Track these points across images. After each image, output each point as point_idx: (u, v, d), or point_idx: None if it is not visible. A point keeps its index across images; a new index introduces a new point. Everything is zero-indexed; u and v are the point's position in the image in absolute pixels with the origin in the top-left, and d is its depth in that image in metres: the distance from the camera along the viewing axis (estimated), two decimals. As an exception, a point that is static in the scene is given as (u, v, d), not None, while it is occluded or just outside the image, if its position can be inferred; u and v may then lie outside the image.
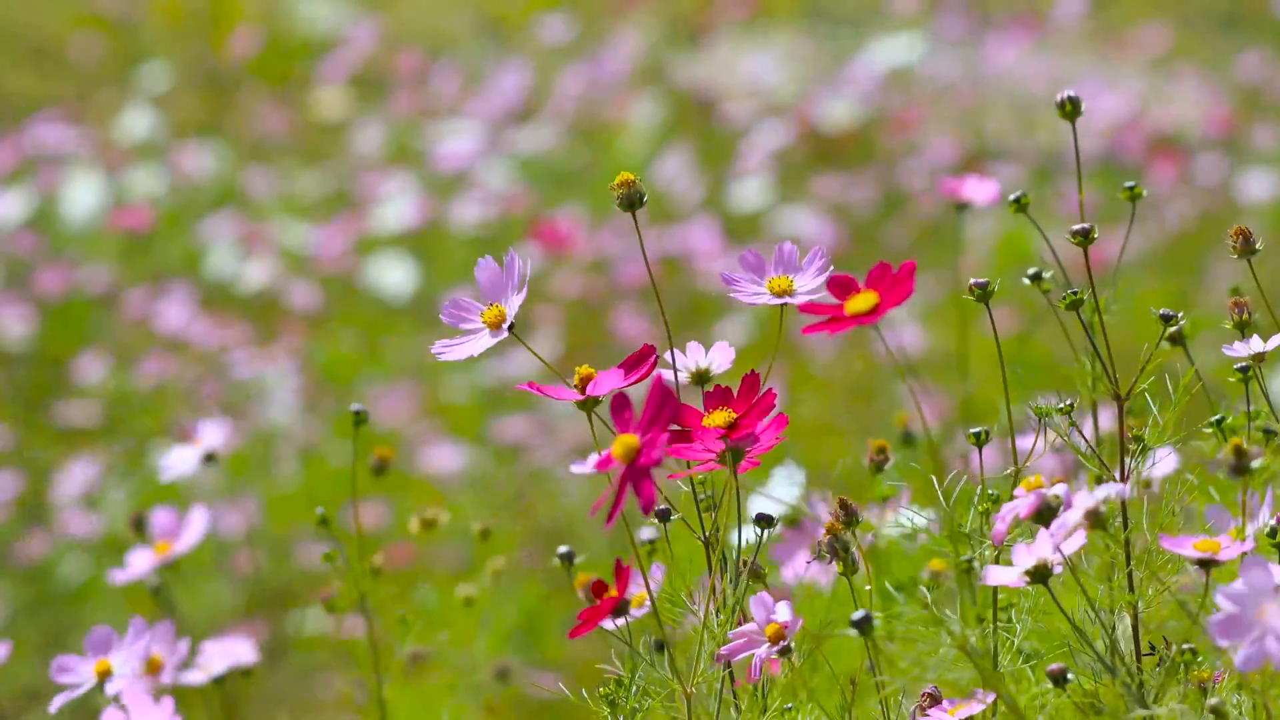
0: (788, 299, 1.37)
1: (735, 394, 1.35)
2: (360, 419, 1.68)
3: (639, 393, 1.36)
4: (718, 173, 5.59)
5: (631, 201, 1.38)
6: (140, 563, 1.85)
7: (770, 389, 1.34)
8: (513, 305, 1.36)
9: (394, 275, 5.08)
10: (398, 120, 6.04)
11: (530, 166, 5.73)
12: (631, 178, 1.38)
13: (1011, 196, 1.44)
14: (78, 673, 1.55)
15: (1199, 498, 1.42)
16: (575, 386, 1.36)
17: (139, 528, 1.87)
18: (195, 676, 1.74)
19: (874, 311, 1.29)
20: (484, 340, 1.37)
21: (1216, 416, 1.41)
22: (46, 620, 3.72)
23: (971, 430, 1.40)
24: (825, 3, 7.09)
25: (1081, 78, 5.97)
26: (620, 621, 1.35)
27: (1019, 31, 6.38)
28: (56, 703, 1.53)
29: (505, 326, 1.37)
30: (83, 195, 5.40)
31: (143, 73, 6.38)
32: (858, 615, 1.23)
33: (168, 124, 6.04)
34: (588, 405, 1.36)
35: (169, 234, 5.43)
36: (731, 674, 1.37)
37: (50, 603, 3.83)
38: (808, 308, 1.32)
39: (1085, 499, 1.25)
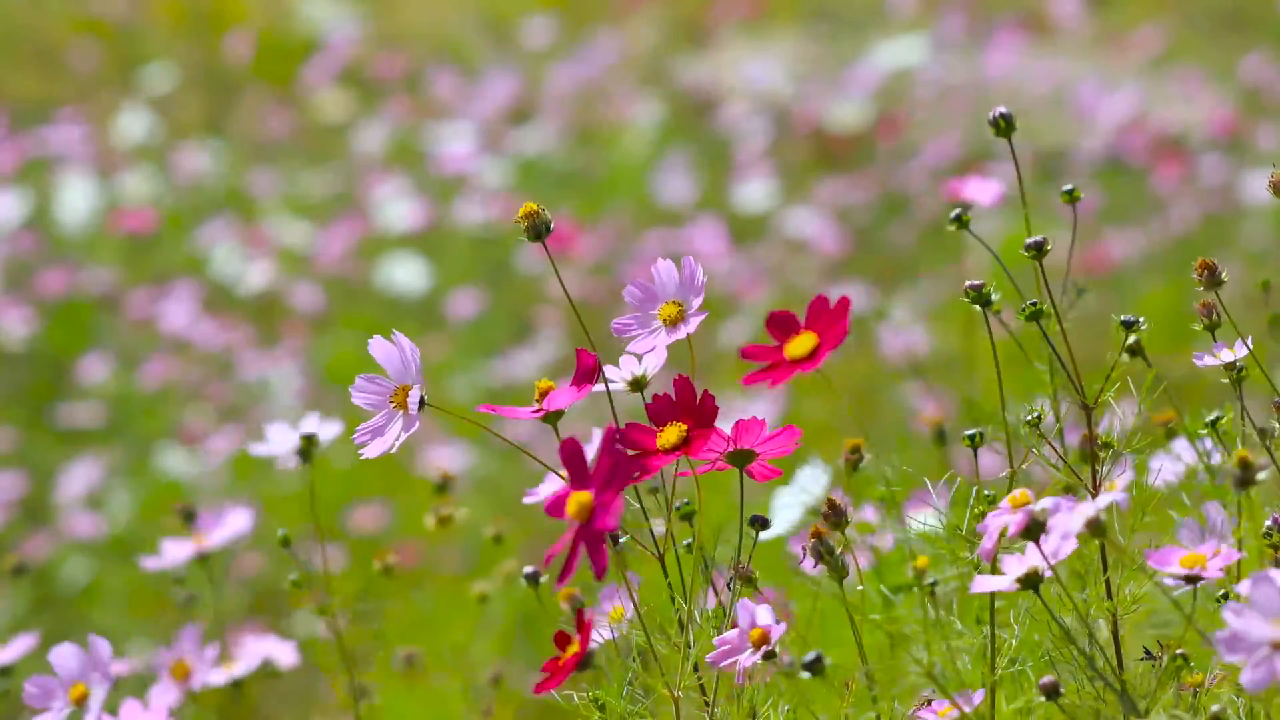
0: (682, 327, 1.34)
1: (675, 401, 1.32)
2: (311, 442, 1.68)
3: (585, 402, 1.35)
4: (720, 174, 5.59)
5: (538, 231, 1.36)
6: (176, 552, 1.86)
7: (707, 393, 1.31)
8: (414, 396, 1.34)
9: (404, 274, 5.08)
10: (399, 121, 6.04)
11: (531, 167, 5.73)
12: (535, 208, 1.36)
13: (952, 214, 1.43)
14: (56, 698, 1.51)
15: (1179, 506, 1.42)
16: (535, 400, 1.36)
17: (187, 518, 1.89)
18: (217, 677, 1.74)
19: (813, 357, 1.27)
20: (397, 431, 1.35)
21: (1212, 416, 1.41)
22: (50, 621, 3.72)
23: (966, 433, 1.40)
24: (827, 4, 7.09)
25: (1084, 79, 5.97)
26: (584, 672, 1.34)
27: (1021, 33, 6.37)
28: None
29: (415, 417, 1.35)
30: (77, 200, 5.40)
31: (144, 75, 6.38)
32: (809, 657, 1.22)
33: (170, 126, 6.04)
34: (550, 419, 1.35)
35: (172, 235, 5.43)
36: (718, 678, 1.36)
37: (54, 603, 3.83)
38: (750, 352, 1.30)
39: (1086, 507, 1.24)
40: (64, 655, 1.51)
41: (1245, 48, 6.12)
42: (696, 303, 1.34)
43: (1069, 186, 1.48)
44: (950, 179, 2.09)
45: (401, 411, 1.36)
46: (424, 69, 6.39)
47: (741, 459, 1.32)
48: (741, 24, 6.91)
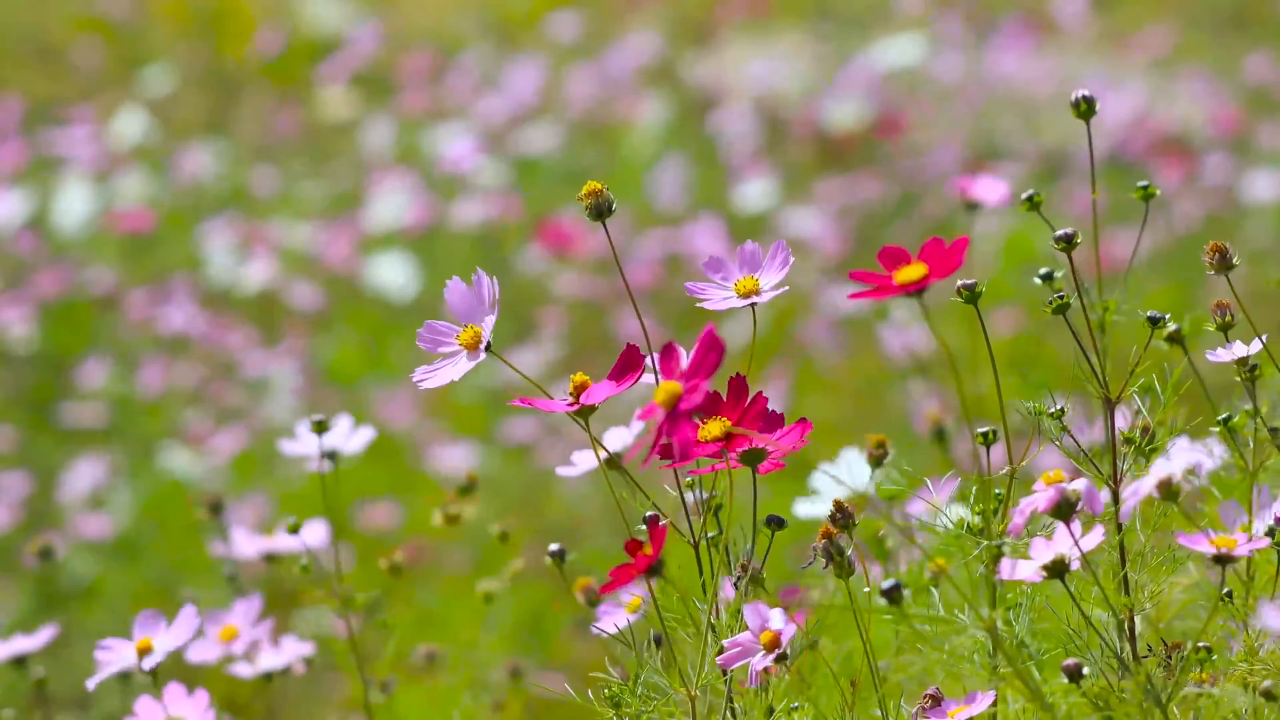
0: (754, 298, 1.36)
1: (724, 399, 1.34)
2: (321, 428, 1.69)
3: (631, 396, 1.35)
4: (723, 173, 5.59)
5: (600, 210, 1.37)
6: (247, 547, 1.88)
7: (760, 394, 1.32)
8: (487, 325, 1.34)
9: (394, 275, 5.08)
10: (404, 120, 6.04)
11: (537, 167, 5.73)
12: (599, 187, 1.36)
13: (1024, 195, 1.44)
14: (118, 652, 1.56)
15: (1209, 497, 1.42)
16: (570, 394, 1.35)
17: (215, 510, 1.91)
18: (243, 670, 1.75)
19: (921, 281, 1.28)
20: (462, 364, 1.35)
21: (1223, 415, 1.41)
22: (52, 620, 3.72)
23: (980, 430, 1.40)
24: (832, 3, 7.09)
25: (1087, 78, 5.97)
26: (653, 582, 1.31)
27: (1024, 32, 6.37)
28: (94, 681, 1.55)
29: (483, 348, 1.35)
30: (74, 204, 5.40)
31: (147, 74, 6.39)
32: (888, 584, 1.21)
33: (172, 125, 6.04)
34: (583, 414, 1.35)
35: (173, 235, 5.43)
36: (730, 678, 1.35)
37: (58, 603, 3.83)
38: (858, 275, 1.31)
39: (1162, 467, 1.23)
40: (143, 619, 1.56)
41: (1248, 47, 6.12)
42: (777, 277, 1.36)
43: (1144, 184, 1.48)
44: (956, 178, 2.10)
45: (466, 351, 1.35)
46: (431, 68, 6.39)
47: (753, 458, 1.32)
48: (746, 23, 6.91)
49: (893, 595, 1.22)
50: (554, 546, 1.48)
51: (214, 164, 5.77)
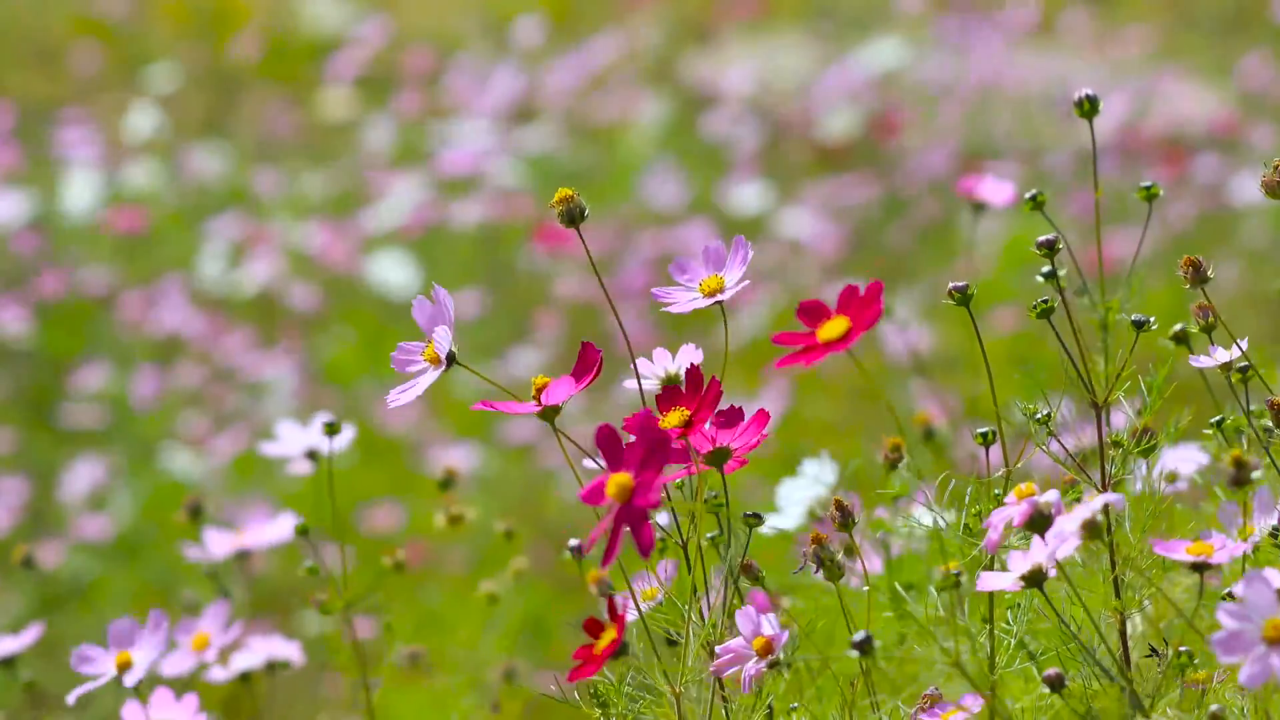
0: (719, 296, 1.37)
1: (683, 391, 1.34)
2: (333, 430, 1.68)
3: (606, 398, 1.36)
4: (721, 173, 5.59)
5: (572, 217, 1.37)
6: (219, 545, 1.88)
7: (715, 379, 1.33)
8: (439, 337, 1.35)
9: (395, 273, 5.08)
10: (404, 120, 6.04)
11: (535, 166, 5.73)
12: (570, 193, 1.37)
13: (1028, 194, 1.44)
14: (98, 664, 1.54)
15: (1209, 499, 1.43)
16: (532, 397, 1.35)
17: (195, 514, 1.90)
18: (219, 674, 1.75)
19: (846, 338, 1.28)
20: (428, 377, 1.37)
21: (1216, 418, 1.42)
22: (53, 621, 3.73)
23: (979, 430, 1.41)
24: (832, 3, 7.10)
25: (1083, 78, 5.97)
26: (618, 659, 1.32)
27: (1020, 32, 6.38)
28: (74, 695, 1.52)
29: (444, 359, 1.36)
30: (82, 191, 5.40)
31: (149, 74, 6.39)
32: (859, 637, 1.21)
33: (173, 125, 6.04)
34: (547, 415, 1.35)
35: (172, 235, 5.43)
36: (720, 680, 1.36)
37: (57, 604, 3.83)
38: (781, 338, 1.31)
39: (1081, 510, 1.25)
40: (118, 627, 1.54)
41: (1243, 49, 6.13)
42: (738, 274, 1.36)
43: (1148, 184, 1.48)
44: (950, 178, 2.10)
45: (432, 365, 1.37)
46: (430, 67, 6.40)
47: (718, 459, 1.32)
48: (746, 23, 6.91)
49: (864, 648, 1.22)
50: (574, 542, 1.49)
51: (214, 164, 5.77)
